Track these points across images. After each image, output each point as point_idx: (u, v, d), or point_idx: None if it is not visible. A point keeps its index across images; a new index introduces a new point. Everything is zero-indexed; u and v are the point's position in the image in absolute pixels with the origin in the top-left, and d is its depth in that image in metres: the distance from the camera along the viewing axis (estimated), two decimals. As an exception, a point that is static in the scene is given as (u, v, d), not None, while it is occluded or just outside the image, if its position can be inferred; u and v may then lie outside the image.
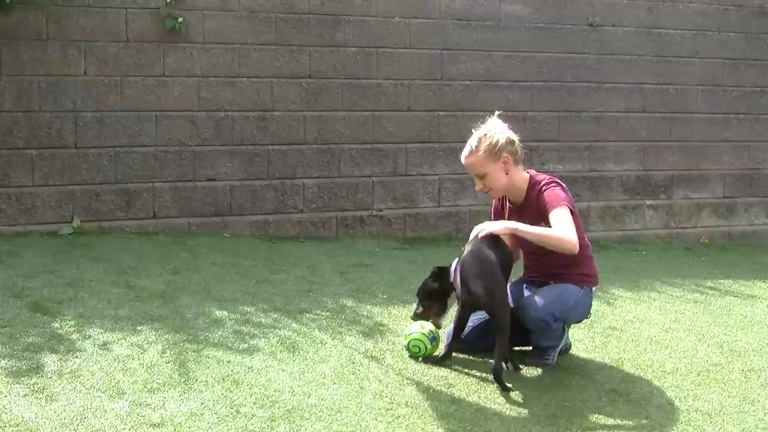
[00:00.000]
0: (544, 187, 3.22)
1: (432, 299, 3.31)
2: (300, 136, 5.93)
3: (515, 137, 3.31)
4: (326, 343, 3.50)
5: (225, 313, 3.85)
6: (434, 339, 3.27)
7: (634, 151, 6.78)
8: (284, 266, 4.98)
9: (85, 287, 4.08)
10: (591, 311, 3.41)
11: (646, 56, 6.82)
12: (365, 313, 4.02)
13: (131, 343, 3.31)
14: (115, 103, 5.52)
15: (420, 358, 3.27)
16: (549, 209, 3.15)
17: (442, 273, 3.28)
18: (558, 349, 3.36)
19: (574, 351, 3.65)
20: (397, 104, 6.17)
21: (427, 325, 3.30)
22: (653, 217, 6.77)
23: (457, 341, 3.21)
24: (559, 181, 3.28)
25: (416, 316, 3.32)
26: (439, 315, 3.30)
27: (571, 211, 3.17)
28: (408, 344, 3.31)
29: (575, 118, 6.68)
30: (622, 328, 4.09)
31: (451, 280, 3.22)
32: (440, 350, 3.33)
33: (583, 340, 3.82)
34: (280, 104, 5.90)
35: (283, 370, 3.13)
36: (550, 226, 3.13)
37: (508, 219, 3.29)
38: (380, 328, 3.82)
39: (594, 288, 3.38)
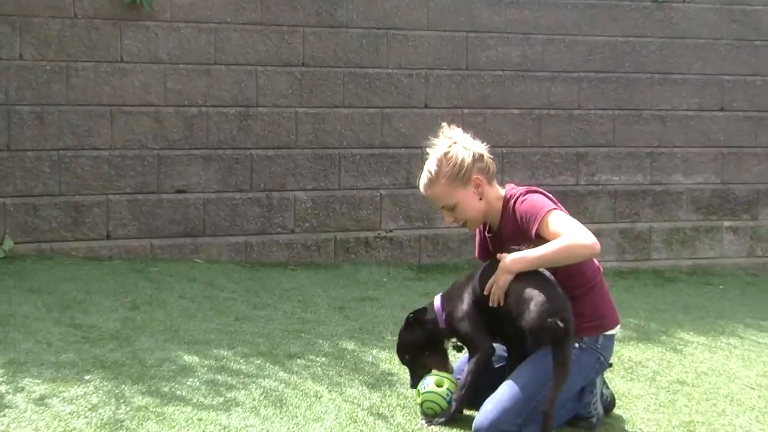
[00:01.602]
0: (516, 202, 3.18)
1: (423, 354, 3.34)
2: (291, 138, 5.94)
3: (482, 148, 3.27)
4: (322, 396, 3.51)
5: (195, 358, 3.86)
6: (451, 398, 3.29)
7: (709, 160, 6.76)
8: (270, 300, 5.00)
9: (17, 326, 4.06)
10: (610, 358, 3.35)
11: (726, 39, 6.79)
12: (370, 360, 4.03)
13: (76, 397, 3.29)
14: (60, 95, 5.54)
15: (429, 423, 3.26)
16: (533, 223, 3.10)
17: (419, 316, 3.31)
18: (595, 402, 3.36)
19: (631, 410, 3.63)
20: (412, 99, 6.17)
21: (446, 381, 3.31)
22: (733, 242, 6.78)
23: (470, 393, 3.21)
24: (537, 189, 3.24)
25: (415, 385, 3.36)
26: (445, 366, 3.34)
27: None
28: (422, 404, 3.32)
29: (634, 118, 6.66)
30: (694, 382, 4.09)
31: (441, 317, 3.25)
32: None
33: (643, 397, 3.80)
34: (266, 98, 5.90)
35: (268, 431, 3.12)
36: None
37: (494, 253, 3.24)
38: (389, 378, 3.80)
39: (612, 332, 3.31)
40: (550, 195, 3.24)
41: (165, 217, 5.71)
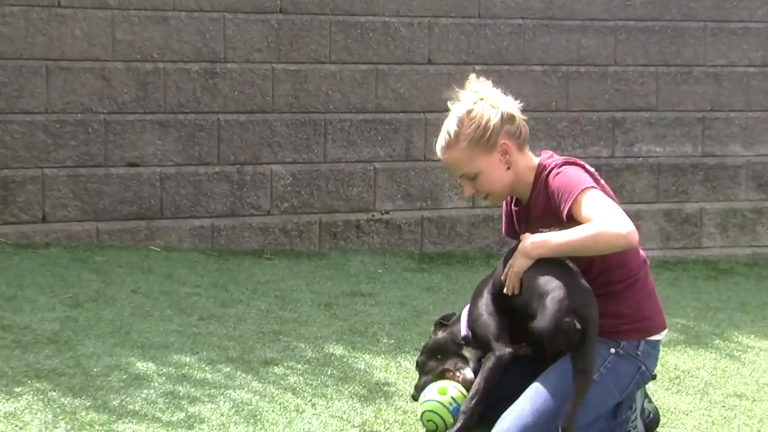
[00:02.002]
0: (550, 175, 3.20)
1: (434, 358, 3.45)
2: (267, 100, 5.93)
3: (514, 107, 3.29)
4: (304, 411, 3.52)
5: (151, 365, 3.86)
6: (458, 410, 3.30)
7: (773, 127, 6.89)
8: (242, 295, 5.03)
9: (-67, 328, 4.12)
10: (653, 367, 3.36)
11: (796, -21, 6.86)
12: (362, 367, 4.06)
13: (5, 415, 3.26)
14: (-18, 48, 5.62)
15: None
16: (565, 202, 3.13)
17: (448, 321, 3.45)
18: (634, 420, 3.40)
19: (678, 429, 3.65)
20: (413, 54, 6.16)
21: (451, 388, 3.35)
22: (802, 227, 6.88)
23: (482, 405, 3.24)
24: (577, 160, 3.26)
25: (419, 390, 3.44)
26: (460, 373, 3.42)
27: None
28: (422, 416, 3.37)
29: (683, 76, 6.65)
30: (755, 396, 4.10)
31: (464, 333, 3.34)
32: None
33: (693, 413, 3.82)
34: (236, 52, 5.89)
35: None
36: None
37: (520, 230, 3.30)
38: (384, 389, 3.82)
39: (656, 337, 3.34)
40: (591, 169, 3.25)
41: (114, 196, 5.70)
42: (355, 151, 6.10)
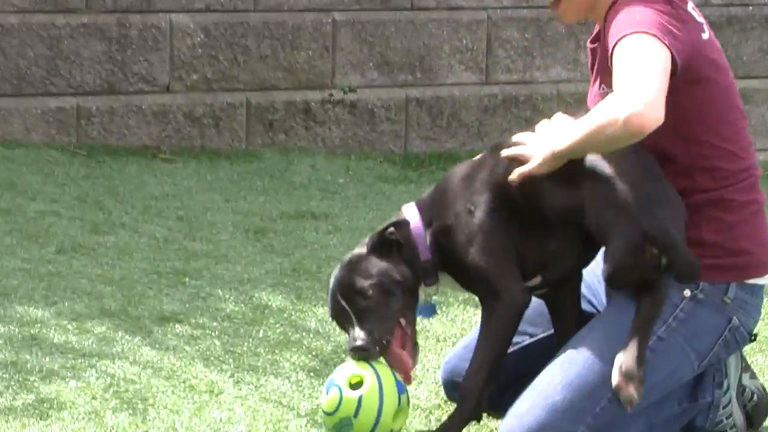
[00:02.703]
0: (622, 4, 3.34)
1: (391, 297, 3.38)
2: None
3: None
4: (221, 392, 3.58)
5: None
6: (402, 390, 3.36)
7: None
8: (124, 216, 5.14)
9: None
10: (753, 324, 3.44)
11: None
12: (312, 326, 4.17)
13: None
14: None
15: None
16: (609, 50, 3.29)
17: (401, 231, 3.38)
18: (728, 403, 3.46)
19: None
20: None
21: (369, 376, 3.34)
22: None
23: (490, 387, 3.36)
24: None
25: (359, 351, 3.36)
26: (412, 340, 3.41)
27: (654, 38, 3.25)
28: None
29: None
30: None
31: (423, 240, 3.36)
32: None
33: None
34: None
35: None
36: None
37: (594, 78, 3.49)
38: (345, 358, 3.74)
39: (757, 281, 3.42)
40: (694, 14, 3.33)
41: None
42: (301, -11, 6.07)
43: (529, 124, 3.62)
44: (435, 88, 6.28)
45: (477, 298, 3.41)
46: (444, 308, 4.11)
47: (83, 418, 3.28)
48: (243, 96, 6.08)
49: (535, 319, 3.47)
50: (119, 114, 5.96)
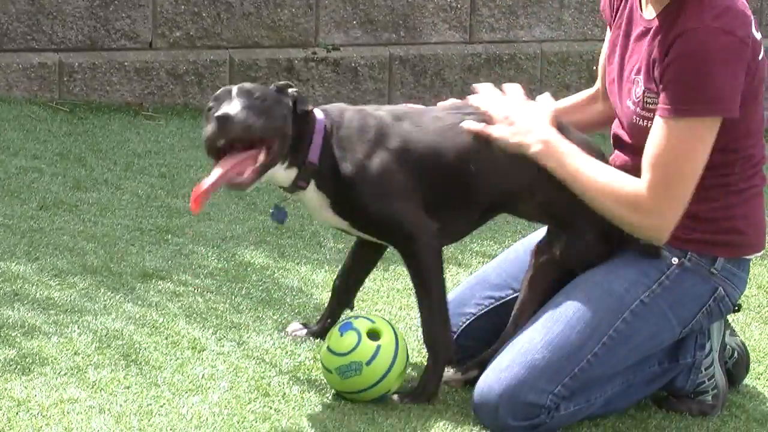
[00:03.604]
0: (699, 32, 3.20)
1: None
2: None
3: None
4: (204, 348, 3.58)
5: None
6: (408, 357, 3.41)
7: None
8: (107, 173, 5.10)
9: None
10: (738, 294, 3.45)
11: None
12: (295, 284, 4.18)
13: None
14: None
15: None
16: (662, 102, 3.23)
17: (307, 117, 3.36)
18: (711, 365, 3.47)
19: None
20: None
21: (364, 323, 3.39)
22: None
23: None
24: (742, 35, 3.21)
25: (223, 119, 3.25)
26: (254, 174, 3.29)
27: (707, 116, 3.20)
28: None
29: None
30: None
31: (318, 143, 3.34)
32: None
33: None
34: None
35: (102, 411, 3.17)
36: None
37: (609, 61, 3.47)
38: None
39: (752, 256, 3.44)
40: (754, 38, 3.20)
41: None
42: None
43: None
44: (419, 46, 6.31)
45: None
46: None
47: (65, 374, 3.29)
48: (226, 53, 6.11)
49: (519, 274, 3.47)
50: (101, 70, 5.98)
